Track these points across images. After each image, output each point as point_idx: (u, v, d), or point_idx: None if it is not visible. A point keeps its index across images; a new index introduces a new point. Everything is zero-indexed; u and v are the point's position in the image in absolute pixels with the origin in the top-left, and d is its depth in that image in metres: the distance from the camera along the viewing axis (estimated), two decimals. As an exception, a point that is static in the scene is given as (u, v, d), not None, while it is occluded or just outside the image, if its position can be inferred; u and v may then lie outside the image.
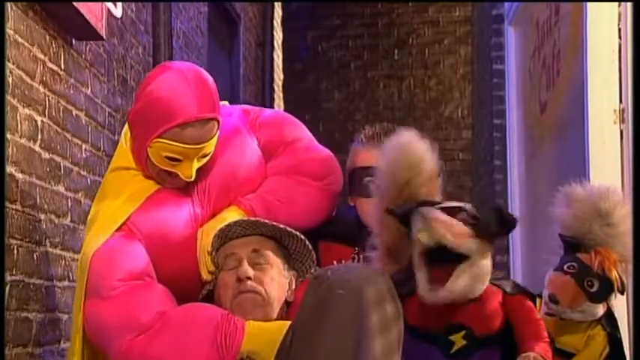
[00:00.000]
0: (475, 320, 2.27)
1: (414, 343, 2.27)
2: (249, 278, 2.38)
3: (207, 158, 2.45)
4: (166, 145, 2.37)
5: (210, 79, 2.44)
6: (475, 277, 2.23)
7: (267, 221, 2.43)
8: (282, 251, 2.47)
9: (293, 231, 2.45)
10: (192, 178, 2.42)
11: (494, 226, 2.24)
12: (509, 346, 2.30)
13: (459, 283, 2.20)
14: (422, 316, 2.29)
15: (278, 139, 2.62)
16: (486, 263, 2.26)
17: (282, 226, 2.44)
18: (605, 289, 2.41)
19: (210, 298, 2.47)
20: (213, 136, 2.41)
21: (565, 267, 2.45)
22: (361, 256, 2.68)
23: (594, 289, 2.40)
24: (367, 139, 2.73)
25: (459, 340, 2.26)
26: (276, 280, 2.43)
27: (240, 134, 2.59)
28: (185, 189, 2.48)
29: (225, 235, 2.43)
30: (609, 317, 2.46)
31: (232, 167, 2.53)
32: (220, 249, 2.45)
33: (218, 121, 2.42)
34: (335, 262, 2.68)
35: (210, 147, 2.42)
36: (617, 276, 2.40)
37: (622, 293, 2.43)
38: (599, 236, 2.42)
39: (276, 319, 2.41)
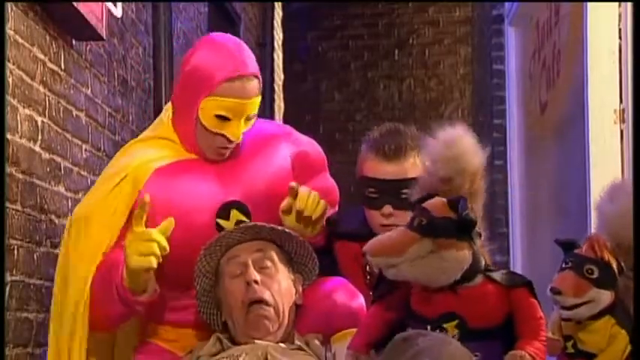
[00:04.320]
0: (469, 312, 2.28)
1: (416, 327, 2.30)
2: (256, 282, 2.38)
3: (251, 123, 2.55)
4: (217, 102, 2.48)
5: (247, 47, 2.60)
6: (436, 267, 2.25)
7: (265, 224, 2.44)
8: (284, 255, 2.48)
9: (292, 233, 2.46)
10: (239, 139, 2.53)
11: (441, 229, 2.24)
12: (512, 341, 2.31)
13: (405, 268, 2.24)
14: (422, 302, 2.32)
15: (308, 161, 2.68)
16: (451, 255, 2.25)
17: (280, 228, 2.45)
18: (608, 274, 2.41)
19: (209, 290, 2.48)
20: (257, 95, 2.53)
21: (562, 264, 2.46)
22: None
23: (595, 275, 2.40)
24: (373, 148, 2.73)
25: (451, 328, 2.28)
26: (284, 284, 2.44)
27: (279, 138, 2.67)
28: (211, 165, 2.56)
29: (226, 243, 2.44)
30: (622, 310, 2.45)
31: (264, 163, 2.60)
32: (222, 258, 2.45)
33: (259, 81, 2.54)
34: (351, 260, 2.74)
35: (253, 107, 2.53)
36: (611, 257, 2.40)
37: (620, 273, 2.42)
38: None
39: (288, 325, 2.43)
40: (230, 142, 2.53)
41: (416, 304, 2.34)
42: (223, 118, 2.50)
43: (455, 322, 2.28)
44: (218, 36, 2.63)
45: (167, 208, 2.48)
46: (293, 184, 2.52)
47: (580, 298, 2.39)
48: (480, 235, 2.34)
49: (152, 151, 2.58)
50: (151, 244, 2.31)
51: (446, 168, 2.30)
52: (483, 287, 2.31)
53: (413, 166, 2.68)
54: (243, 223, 2.51)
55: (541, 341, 2.29)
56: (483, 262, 2.33)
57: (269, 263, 2.43)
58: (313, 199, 2.51)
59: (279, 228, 2.45)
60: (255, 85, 2.52)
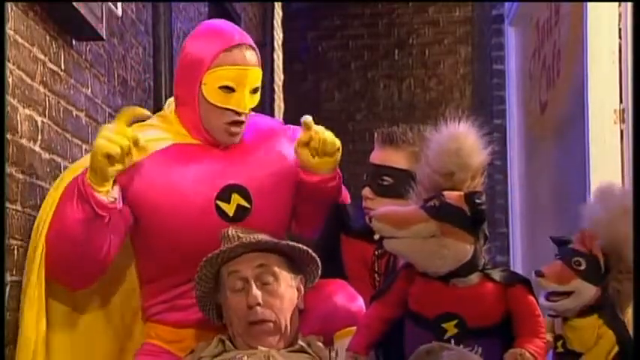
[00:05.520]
0: (468, 311, 2.28)
1: (414, 327, 2.29)
2: (258, 304, 2.38)
3: (256, 98, 2.58)
4: (218, 72, 2.51)
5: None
6: (433, 251, 2.25)
7: (269, 240, 2.44)
8: (286, 261, 2.47)
9: (296, 245, 2.46)
10: (246, 110, 2.55)
11: (454, 216, 2.24)
12: (511, 339, 2.31)
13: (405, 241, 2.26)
14: (420, 302, 2.32)
15: None
16: (452, 244, 2.25)
17: (284, 242, 2.46)
18: (595, 268, 2.43)
19: (208, 293, 2.48)
20: (257, 65, 2.57)
21: (554, 257, 2.49)
22: (382, 252, 2.71)
23: (582, 267, 2.42)
24: (380, 137, 2.78)
25: (451, 328, 2.28)
26: (286, 296, 2.43)
27: (278, 132, 2.71)
28: (214, 150, 2.58)
29: (228, 256, 2.43)
30: (610, 311, 2.46)
31: (266, 152, 2.63)
32: (223, 266, 2.45)
33: (257, 52, 2.58)
34: (358, 260, 2.78)
35: (256, 78, 2.56)
36: (599, 253, 2.42)
37: (607, 271, 2.44)
38: (626, 235, 2.41)
39: (291, 331, 2.43)
40: (239, 115, 2.54)
41: (414, 304, 2.34)
42: (227, 89, 2.52)
43: (454, 322, 2.29)
44: (205, 22, 2.71)
45: (168, 187, 2.48)
46: (307, 118, 2.56)
47: (562, 286, 2.42)
48: (486, 238, 2.33)
49: (153, 132, 2.59)
50: (121, 137, 2.33)
51: (448, 162, 2.30)
52: (481, 286, 2.31)
53: (402, 158, 2.71)
54: (244, 208, 2.52)
55: (541, 338, 2.30)
56: (482, 262, 2.33)
57: (271, 278, 2.41)
58: (329, 133, 2.54)
59: (283, 242, 2.45)
60: (253, 54, 2.56)
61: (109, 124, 2.40)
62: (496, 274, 2.33)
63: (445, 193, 2.28)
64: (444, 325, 2.29)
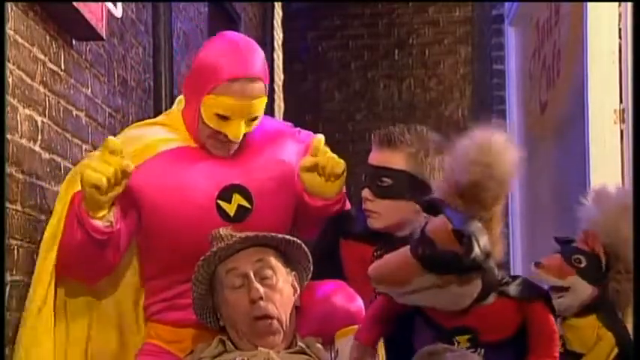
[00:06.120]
0: (483, 327, 2.25)
1: (424, 326, 2.28)
2: (261, 298, 2.38)
3: (256, 123, 2.55)
4: (217, 101, 2.48)
5: (259, 49, 2.58)
6: (444, 298, 2.20)
7: (266, 234, 2.45)
8: (281, 256, 2.48)
9: (290, 238, 2.47)
10: (239, 139, 2.53)
11: (443, 265, 2.14)
12: (519, 349, 2.29)
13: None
14: (438, 312, 2.28)
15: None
16: (459, 289, 2.18)
17: (280, 235, 2.46)
18: (595, 268, 2.42)
19: (204, 295, 2.47)
20: (261, 96, 2.52)
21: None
22: (381, 253, 2.70)
23: (582, 265, 2.42)
24: (377, 139, 2.77)
25: (463, 341, 2.26)
26: (285, 291, 2.43)
27: (285, 135, 2.70)
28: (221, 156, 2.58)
29: (225, 254, 2.43)
30: (610, 311, 2.46)
31: (269, 154, 2.63)
32: (219, 266, 2.44)
33: (265, 86, 2.53)
34: (357, 262, 2.74)
35: (257, 109, 2.52)
36: (601, 252, 2.42)
37: (607, 270, 2.43)
38: (625, 235, 2.40)
39: (290, 330, 2.43)
40: (230, 141, 2.54)
41: (430, 309, 2.30)
42: (223, 117, 2.50)
43: (468, 336, 2.26)
44: (231, 34, 2.64)
45: (169, 186, 2.49)
46: (318, 140, 2.53)
47: (561, 280, 2.41)
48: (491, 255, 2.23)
49: (162, 131, 2.60)
50: (107, 166, 2.32)
51: (474, 172, 2.13)
52: (498, 304, 2.26)
53: (400, 159, 2.69)
54: (245, 208, 2.52)
55: (555, 357, 2.28)
56: (497, 280, 2.25)
57: (270, 272, 2.42)
58: (333, 156, 2.54)
59: (279, 236, 2.45)
60: (257, 86, 2.51)
61: (94, 152, 2.38)
62: (513, 290, 2.26)
63: (433, 229, 2.15)
64: (457, 338, 2.26)
